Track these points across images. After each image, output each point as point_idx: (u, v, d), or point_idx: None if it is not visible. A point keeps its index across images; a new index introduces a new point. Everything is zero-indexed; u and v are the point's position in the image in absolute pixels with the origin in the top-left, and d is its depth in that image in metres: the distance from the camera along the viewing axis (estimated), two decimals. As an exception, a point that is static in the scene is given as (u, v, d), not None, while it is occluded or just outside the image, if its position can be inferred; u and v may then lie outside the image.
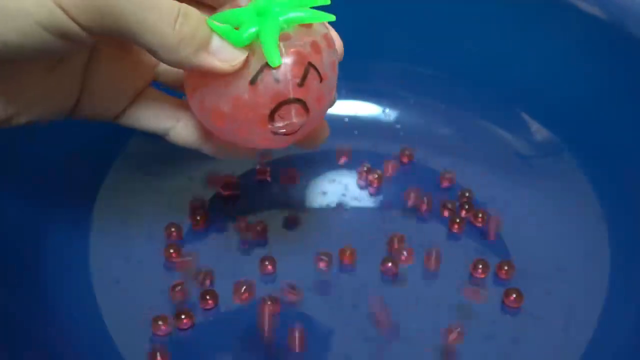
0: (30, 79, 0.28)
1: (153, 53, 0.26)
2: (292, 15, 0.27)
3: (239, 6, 0.28)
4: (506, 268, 0.38)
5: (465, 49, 0.45)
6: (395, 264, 0.38)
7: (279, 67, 0.26)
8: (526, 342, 0.36)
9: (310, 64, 0.27)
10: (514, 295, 0.37)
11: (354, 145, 0.45)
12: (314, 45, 0.27)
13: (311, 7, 0.28)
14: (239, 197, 0.42)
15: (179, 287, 0.37)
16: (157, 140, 0.43)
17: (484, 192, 0.43)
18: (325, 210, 0.42)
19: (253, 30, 0.26)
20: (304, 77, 0.27)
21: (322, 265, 0.39)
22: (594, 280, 0.38)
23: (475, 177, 0.43)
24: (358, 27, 0.45)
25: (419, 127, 0.46)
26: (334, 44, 0.29)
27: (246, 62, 0.27)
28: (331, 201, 0.42)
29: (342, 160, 0.44)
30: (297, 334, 0.35)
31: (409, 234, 0.40)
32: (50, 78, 0.28)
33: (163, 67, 0.32)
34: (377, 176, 0.43)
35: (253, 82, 0.27)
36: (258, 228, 0.40)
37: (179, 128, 0.31)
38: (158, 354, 0.34)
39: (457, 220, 0.40)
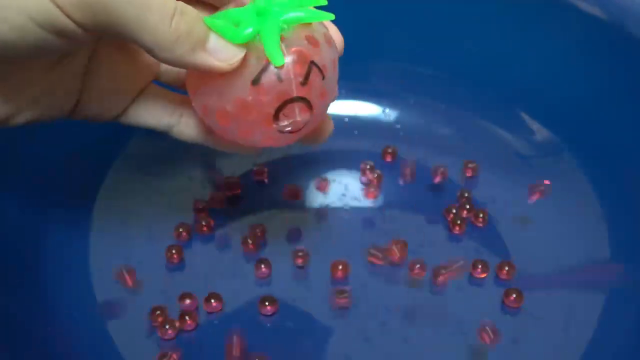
0: (30, 78, 0.28)
1: (149, 51, 0.25)
2: (292, 15, 0.27)
3: (240, 6, 0.28)
4: (507, 268, 0.38)
5: (465, 49, 0.45)
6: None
7: (281, 66, 0.27)
8: (526, 342, 0.36)
9: (312, 63, 0.27)
10: (514, 295, 0.37)
11: (354, 145, 0.45)
12: (315, 44, 0.28)
13: (310, 7, 0.28)
14: (240, 198, 0.42)
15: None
16: (157, 141, 0.43)
17: (484, 192, 0.43)
18: (325, 210, 0.42)
19: (251, 28, 0.26)
20: (307, 76, 0.27)
21: (321, 264, 0.39)
22: (594, 280, 0.38)
23: (475, 177, 0.43)
24: (358, 27, 0.45)
25: (419, 127, 0.46)
26: (333, 42, 0.29)
27: (246, 61, 0.27)
28: (331, 201, 0.42)
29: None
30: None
31: (409, 234, 0.40)
32: (50, 77, 0.28)
33: (164, 66, 0.32)
34: (377, 176, 0.43)
35: (256, 82, 0.27)
36: (257, 231, 0.40)
37: (182, 124, 0.31)
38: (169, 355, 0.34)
39: (459, 222, 0.40)
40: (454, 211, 0.41)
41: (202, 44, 0.26)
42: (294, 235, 0.40)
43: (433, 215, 0.41)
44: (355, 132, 0.46)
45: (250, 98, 0.27)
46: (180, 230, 0.40)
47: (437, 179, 0.43)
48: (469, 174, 0.43)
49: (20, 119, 0.28)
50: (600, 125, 0.42)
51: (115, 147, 0.43)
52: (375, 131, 0.46)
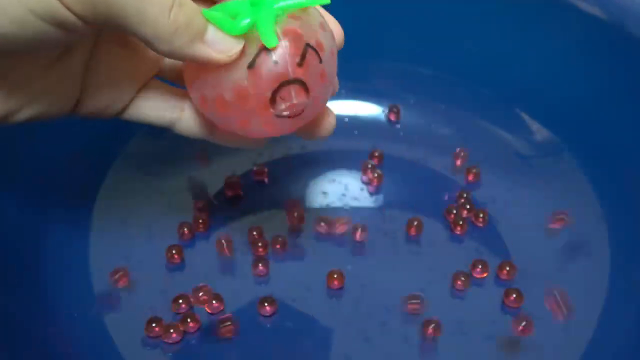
0: (30, 73, 0.28)
1: (148, 43, 0.25)
2: (286, 2, 0.27)
3: None
4: (507, 269, 0.38)
5: (465, 49, 0.45)
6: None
7: (275, 48, 0.26)
8: (526, 342, 0.36)
9: (308, 45, 0.27)
10: (514, 295, 0.37)
11: (354, 145, 0.45)
12: (310, 28, 0.27)
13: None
14: (241, 197, 0.42)
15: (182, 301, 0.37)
16: (157, 141, 0.44)
17: (484, 192, 0.43)
18: (325, 210, 0.42)
19: (248, 19, 0.26)
20: (303, 57, 0.27)
21: (321, 264, 0.39)
22: (594, 280, 0.38)
23: (475, 177, 0.43)
24: (358, 27, 0.45)
25: (419, 127, 0.46)
26: (330, 30, 0.29)
27: (243, 51, 0.27)
28: (331, 201, 0.42)
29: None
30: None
31: (410, 235, 0.40)
32: (51, 73, 0.28)
33: (166, 62, 0.32)
34: (377, 175, 0.43)
35: (251, 66, 0.27)
36: (254, 233, 0.40)
37: (184, 119, 0.31)
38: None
39: (460, 222, 0.40)
40: (454, 211, 0.41)
41: (200, 35, 0.26)
42: (293, 236, 0.40)
43: (433, 215, 0.41)
44: (355, 132, 0.46)
45: (246, 83, 0.27)
46: (185, 229, 0.40)
47: (459, 162, 0.44)
48: (470, 178, 0.43)
49: (21, 116, 0.28)
50: (600, 125, 0.42)
51: (115, 146, 0.43)
52: (375, 131, 0.46)
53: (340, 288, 0.38)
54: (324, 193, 0.43)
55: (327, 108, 0.32)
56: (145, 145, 0.43)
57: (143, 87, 0.31)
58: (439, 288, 0.38)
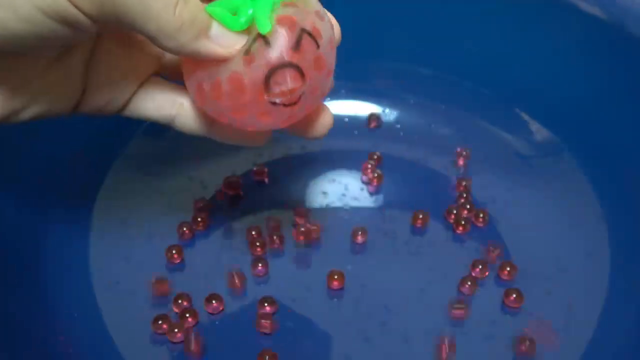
0: (34, 71, 0.28)
1: (153, 40, 0.26)
2: None
3: None
4: (508, 269, 0.38)
5: (465, 49, 0.45)
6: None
7: (270, 33, 0.27)
8: (526, 342, 0.36)
9: (303, 30, 0.27)
10: (514, 295, 0.37)
11: (354, 145, 0.45)
12: (306, 14, 0.27)
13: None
14: (241, 197, 0.42)
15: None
16: (157, 141, 0.44)
17: (484, 192, 0.43)
18: (325, 210, 0.42)
19: (249, 13, 0.27)
20: (298, 41, 0.27)
21: (321, 264, 0.39)
22: (594, 280, 0.38)
23: (475, 177, 0.43)
24: (358, 27, 0.45)
25: (419, 127, 0.46)
26: (328, 19, 0.29)
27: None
28: (331, 201, 0.42)
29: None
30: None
31: (410, 235, 0.40)
32: (52, 72, 0.28)
33: (165, 59, 0.32)
34: (377, 175, 0.43)
35: (246, 53, 0.27)
36: (253, 232, 0.40)
37: (183, 114, 0.31)
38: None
39: (463, 222, 0.40)
40: (455, 212, 0.41)
41: (205, 31, 0.26)
42: (293, 236, 0.40)
43: (433, 215, 0.41)
44: (355, 132, 0.46)
45: (241, 70, 0.27)
46: (184, 229, 0.40)
47: (461, 161, 0.44)
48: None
49: (25, 115, 0.28)
50: (600, 125, 0.42)
51: (115, 147, 0.43)
52: (375, 131, 0.46)
53: (341, 288, 0.38)
54: (324, 193, 0.43)
55: (324, 106, 0.32)
56: (145, 146, 0.43)
57: (142, 84, 0.31)
58: (439, 288, 0.38)
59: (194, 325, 0.36)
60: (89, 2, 0.24)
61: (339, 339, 0.36)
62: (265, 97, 0.27)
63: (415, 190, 0.43)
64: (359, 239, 0.40)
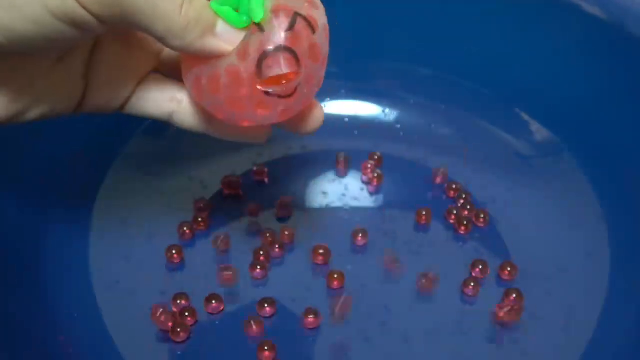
0: (38, 72, 0.28)
1: (160, 39, 0.26)
2: None
3: None
4: (509, 269, 0.38)
5: (465, 49, 0.45)
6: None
7: (263, 20, 0.27)
8: (526, 342, 0.36)
9: (297, 14, 0.27)
10: (514, 295, 0.37)
11: (354, 145, 0.45)
12: (301, 2, 0.27)
13: None
14: (240, 197, 0.42)
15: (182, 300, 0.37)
16: (157, 140, 0.44)
17: (484, 192, 0.43)
18: (325, 210, 0.42)
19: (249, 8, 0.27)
20: (292, 25, 0.27)
21: (321, 263, 0.39)
22: (594, 280, 0.38)
23: (475, 177, 0.43)
24: (358, 27, 0.46)
25: (419, 127, 0.46)
26: (322, 7, 0.29)
27: None
28: (331, 201, 0.42)
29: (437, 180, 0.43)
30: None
31: (410, 235, 0.40)
32: (57, 70, 0.28)
33: (163, 55, 0.32)
34: (377, 175, 0.43)
35: (243, 44, 0.27)
36: (268, 235, 0.40)
37: (182, 110, 0.31)
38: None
39: (465, 222, 0.40)
40: (455, 212, 0.41)
41: (210, 29, 0.27)
42: (293, 235, 0.40)
43: (433, 215, 0.41)
44: (355, 132, 0.46)
45: (236, 58, 0.27)
46: (185, 229, 0.40)
47: (438, 179, 0.43)
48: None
49: (30, 115, 0.29)
50: (600, 125, 0.42)
51: (115, 146, 0.43)
52: (375, 131, 0.46)
53: (341, 288, 0.38)
54: (324, 193, 0.43)
55: (315, 100, 0.31)
56: (145, 145, 0.43)
57: (142, 81, 0.31)
58: (439, 288, 0.38)
59: (192, 325, 0.36)
60: (97, 4, 0.24)
61: (339, 339, 0.36)
62: (259, 86, 0.27)
63: (415, 190, 0.43)
64: (359, 239, 0.40)
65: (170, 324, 0.35)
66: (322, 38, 0.28)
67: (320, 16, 0.28)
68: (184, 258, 0.39)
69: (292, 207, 0.41)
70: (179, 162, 0.43)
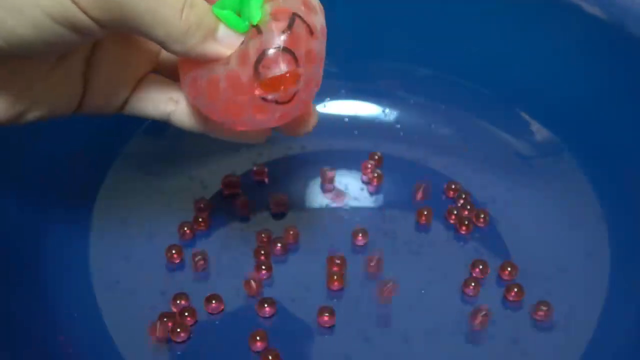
0: (37, 74, 0.28)
1: (161, 44, 0.26)
2: None
3: None
4: (509, 269, 0.38)
5: (465, 49, 0.45)
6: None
7: (261, 21, 0.26)
8: (526, 342, 0.36)
9: (295, 15, 0.27)
10: (515, 290, 0.37)
11: (354, 145, 0.45)
12: (295, 3, 0.27)
13: None
14: (240, 197, 0.42)
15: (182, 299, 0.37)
16: (157, 140, 0.44)
17: (484, 192, 0.43)
18: (325, 210, 0.42)
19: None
20: (290, 26, 0.26)
21: (321, 265, 0.39)
22: (594, 280, 0.38)
23: (475, 177, 0.43)
24: (358, 27, 0.46)
25: (419, 127, 0.46)
26: (319, 7, 0.28)
27: None
28: (331, 201, 0.42)
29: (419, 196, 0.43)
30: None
31: (410, 235, 0.40)
32: (56, 73, 0.28)
33: (161, 57, 0.32)
34: (377, 175, 0.43)
35: (242, 47, 0.27)
36: (263, 235, 0.40)
37: (180, 111, 0.31)
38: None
39: (466, 222, 0.40)
40: (455, 212, 0.41)
41: (212, 33, 0.26)
42: (293, 235, 0.40)
43: (433, 215, 0.41)
44: (355, 132, 0.46)
45: (235, 62, 0.27)
46: (185, 229, 0.40)
47: (419, 196, 0.42)
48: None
49: (29, 116, 0.29)
50: (600, 125, 0.42)
51: (115, 146, 0.43)
52: (375, 131, 0.46)
53: (340, 290, 0.38)
54: (324, 193, 0.43)
55: (312, 106, 0.31)
56: (146, 145, 0.43)
57: (140, 82, 0.31)
58: (439, 288, 0.38)
59: (192, 325, 0.36)
60: (97, 9, 0.24)
61: (339, 339, 0.36)
62: (257, 92, 0.27)
63: (415, 190, 0.43)
64: (359, 239, 0.40)
65: (163, 335, 0.35)
66: (320, 41, 0.28)
67: (318, 19, 0.28)
68: (184, 258, 0.39)
69: (286, 205, 0.41)
70: (179, 162, 0.43)
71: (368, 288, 0.38)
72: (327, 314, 0.36)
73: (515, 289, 0.37)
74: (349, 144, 0.45)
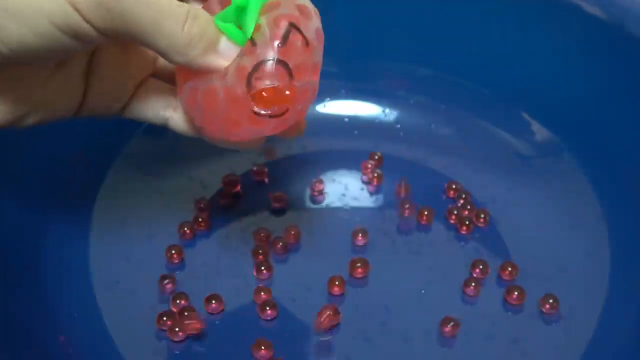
0: (36, 79, 0.28)
1: (162, 54, 0.26)
2: None
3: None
4: (509, 269, 0.38)
5: (465, 49, 0.45)
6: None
7: (257, 33, 0.26)
8: (526, 342, 0.36)
9: (291, 25, 0.26)
10: (516, 293, 0.37)
11: (354, 145, 0.45)
12: (293, 10, 0.27)
13: None
14: (240, 197, 0.42)
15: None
16: (157, 140, 0.44)
17: (484, 192, 0.43)
18: (325, 210, 0.42)
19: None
20: (285, 38, 0.26)
21: (321, 266, 0.39)
22: (594, 280, 0.38)
23: (475, 177, 0.43)
24: (358, 27, 0.46)
25: (419, 127, 0.46)
26: (315, 12, 0.28)
27: None
28: (331, 201, 0.42)
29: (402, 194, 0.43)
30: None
31: (410, 235, 0.40)
32: (56, 77, 0.29)
33: (160, 62, 0.32)
34: (377, 175, 0.43)
35: (238, 57, 0.27)
36: (262, 234, 0.40)
37: (177, 116, 0.31)
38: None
39: (467, 222, 0.40)
40: (455, 212, 0.41)
41: (213, 46, 0.26)
42: (294, 235, 0.40)
43: (434, 215, 0.41)
44: (355, 132, 0.46)
45: (232, 74, 0.26)
46: (186, 229, 0.40)
47: (402, 193, 0.42)
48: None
49: (31, 120, 0.29)
50: (600, 125, 0.42)
51: (115, 146, 0.43)
52: (375, 131, 0.46)
53: (341, 294, 0.38)
54: (324, 193, 0.43)
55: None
56: (146, 145, 0.43)
57: (139, 87, 0.31)
58: (439, 288, 0.38)
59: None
60: (100, 18, 0.24)
61: (339, 339, 0.36)
62: (252, 106, 0.27)
63: (415, 190, 0.43)
64: (359, 239, 0.40)
65: (169, 323, 0.35)
66: (316, 49, 0.27)
67: (314, 24, 0.27)
68: (184, 258, 0.39)
69: (285, 200, 0.42)
70: (179, 162, 0.43)
71: (368, 288, 0.38)
72: (268, 307, 0.36)
73: (516, 292, 0.37)
74: (349, 144, 0.45)
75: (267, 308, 0.36)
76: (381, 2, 0.45)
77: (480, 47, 0.45)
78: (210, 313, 0.37)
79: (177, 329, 0.35)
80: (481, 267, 0.38)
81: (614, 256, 0.39)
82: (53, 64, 0.28)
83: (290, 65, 0.26)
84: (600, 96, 0.42)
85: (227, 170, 0.43)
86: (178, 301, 0.36)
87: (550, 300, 0.37)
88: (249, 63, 0.26)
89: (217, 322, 0.36)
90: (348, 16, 0.45)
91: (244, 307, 0.37)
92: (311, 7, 0.28)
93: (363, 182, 0.43)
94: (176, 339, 0.35)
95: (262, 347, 0.34)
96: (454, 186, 0.42)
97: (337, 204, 0.42)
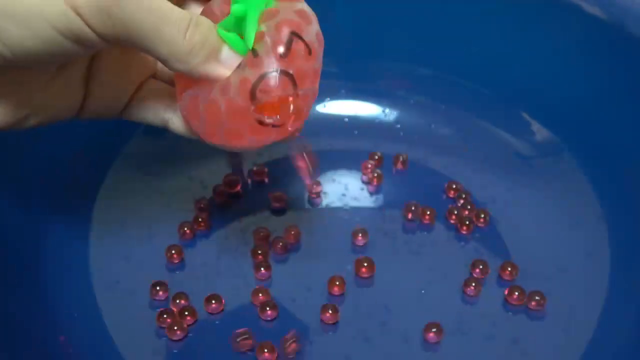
0: (37, 83, 0.28)
1: (163, 62, 0.26)
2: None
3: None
4: (509, 269, 0.38)
5: (465, 49, 0.45)
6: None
7: (258, 43, 0.26)
8: (526, 342, 0.36)
9: (293, 34, 0.26)
10: (517, 293, 0.37)
11: (354, 145, 0.45)
12: (292, 16, 0.26)
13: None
14: (240, 197, 0.42)
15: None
16: (157, 140, 0.44)
17: (484, 192, 0.43)
18: (325, 210, 0.42)
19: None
20: (288, 47, 0.26)
21: (321, 266, 0.39)
22: (594, 280, 0.38)
23: (475, 177, 0.43)
24: (358, 27, 0.46)
25: (419, 127, 0.46)
26: (312, 16, 0.27)
27: None
28: (331, 201, 0.42)
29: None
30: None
31: (410, 235, 0.40)
32: (56, 81, 0.29)
33: (160, 64, 0.32)
34: (377, 175, 0.43)
35: (240, 68, 0.26)
36: (261, 234, 0.40)
37: (177, 117, 0.31)
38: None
39: (467, 222, 0.40)
40: (455, 212, 0.41)
41: (215, 54, 0.26)
42: (294, 235, 0.40)
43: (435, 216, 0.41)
44: (355, 132, 0.46)
45: (234, 86, 0.26)
46: (186, 229, 0.40)
47: (399, 166, 0.43)
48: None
49: (31, 122, 0.29)
50: (600, 125, 0.42)
51: (115, 146, 0.43)
52: (375, 131, 0.46)
53: (341, 295, 0.38)
54: (324, 193, 0.43)
55: None
56: (145, 145, 0.43)
57: (139, 88, 0.32)
58: (439, 288, 0.38)
59: (191, 324, 0.36)
60: (101, 23, 0.24)
61: (339, 339, 0.36)
62: (253, 113, 0.26)
63: (415, 190, 0.43)
64: (359, 239, 0.40)
65: (169, 321, 0.35)
66: (317, 55, 0.27)
67: (313, 28, 0.27)
68: (184, 258, 0.39)
69: (284, 200, 0.42)
70: (179, 162, 0.43)
71: (368, 288, 0.38)
72: (330, 312, 0.36)
73: (517, 292, 0.37)
74: (349, 144, 0.45)
75: (267, 308, 0.36)
76: (381, 2, 0.45)
77: (480, 47, 0.45)
78: (210, 313, 0.37)
79: (175, 328, 0.35)
80: (481, 267, 0.38)
81: (614, 256, 0.39)
82: (54, 68, 0.28)
83: (294, 74, 0.26)
84: (600, 96, 0.42)
85: (227, 170, 0.43)
86: (178, 301, 0.36)
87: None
88: (251, 75, 0.26)
89: (217, 322, 0.36)
90: (348, 16, 0.45)
91: (243, 307, 0.37)
92: (309, 11, 0.27)
93: (363, 182, 0.43)
94: (175, 338, 0.35)
95: (265, 350, 0.34)
96: (454, 186, 0.43)
97: (337, 204, 0.42)
